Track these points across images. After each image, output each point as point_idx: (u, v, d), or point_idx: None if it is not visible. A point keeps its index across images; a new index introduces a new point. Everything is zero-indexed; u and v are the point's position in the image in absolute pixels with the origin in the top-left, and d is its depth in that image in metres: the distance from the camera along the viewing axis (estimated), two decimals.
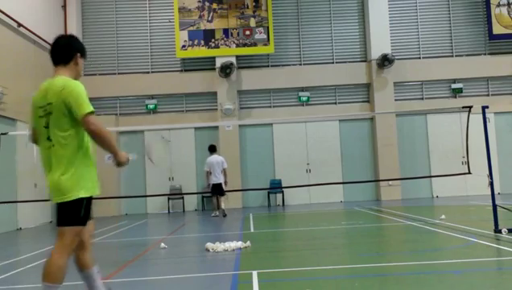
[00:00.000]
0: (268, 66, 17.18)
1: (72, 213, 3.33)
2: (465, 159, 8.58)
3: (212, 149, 13.42)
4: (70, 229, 3.31)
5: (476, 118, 8.49)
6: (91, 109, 3.35)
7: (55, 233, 3.38)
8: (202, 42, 16.63)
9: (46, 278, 3.23)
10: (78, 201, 3.32)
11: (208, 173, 13.02)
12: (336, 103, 17.14)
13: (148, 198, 16.21)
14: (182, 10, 16.67)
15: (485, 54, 17.27)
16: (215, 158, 13.07)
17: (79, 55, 3.58)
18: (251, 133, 16.79)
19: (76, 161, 3.35)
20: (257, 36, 16.66)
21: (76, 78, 3.56)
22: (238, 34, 16.66)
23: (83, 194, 3.34)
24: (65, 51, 3.54)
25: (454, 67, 17.07)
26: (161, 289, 4.99)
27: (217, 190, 12.96)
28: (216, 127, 16.29)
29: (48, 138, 3.35)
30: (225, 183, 13.05)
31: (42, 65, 14.32)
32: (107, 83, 16.79)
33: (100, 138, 3.31)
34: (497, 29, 16.98)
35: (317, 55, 17.23)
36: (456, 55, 17.27)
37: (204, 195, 16.13)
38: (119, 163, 3.47)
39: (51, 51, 3.56)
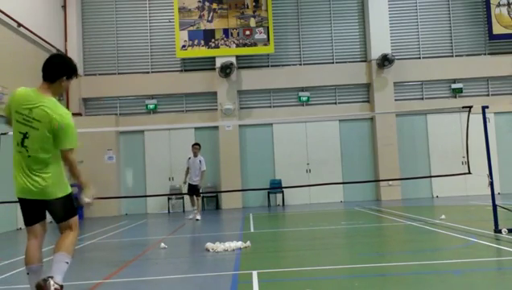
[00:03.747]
0: (268, 66, 17.18)
1: (73, 204, 3.92)
2: (465, 159, 8.60)
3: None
4: (76, 218, 3.93)
5: (476, 118, 8.50)
6: (76, 146, 3.84)
7: (61, 228, 3.85)
8: (202, 42, 16.63)
9: (66, 249, 3.71)
10: (71, 194, 3.91)
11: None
12: (336, 103, 17.14)
13: (148, 198, 16.20)
14: (182, 10, 16.67)
15: (485, 54, 17.27)
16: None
17: (65, 78, 3.84)
18: (251, 133, 16.79)
19: (58, 163, 3.78)
20: (257, 36, 16.66)
21: (58, 96, 3.93)
22: (238, 34, 16.66)
23: (70, 189, 3.90)
24: (54, 71, 3.82)
25: (454, 67, 17.07)
26: (161, 289, 4.99)
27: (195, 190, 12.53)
28: (216, 127, 16.29)
29: (24, 146, 3.68)
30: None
31: (42, 65, 14.32)
32: (107, 83, 16.79)
33: (74, 168, 3.83)
34: (497, 29, 16.98)
35: (317, 55, 17.23)
36: (456, 55, 17.27)
37: (205, 195, 16.12)
38: (85, 195, 3.93)
39: (44, 65, 3.87)
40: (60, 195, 3.75)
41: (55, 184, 3.72)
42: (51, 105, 3.68)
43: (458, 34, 17.31)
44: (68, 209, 3.84)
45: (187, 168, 12.51)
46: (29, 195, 3.71)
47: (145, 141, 16.59)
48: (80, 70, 16.71)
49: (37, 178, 3.66)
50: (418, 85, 17.27)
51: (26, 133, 3.64)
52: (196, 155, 12.45)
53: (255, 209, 15.20)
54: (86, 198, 3.93)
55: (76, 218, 3.90)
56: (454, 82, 17.18)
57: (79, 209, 14.92)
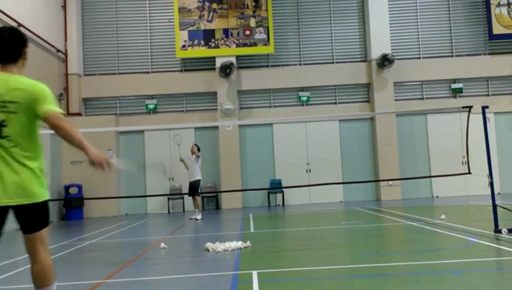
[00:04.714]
0: (268, 66, 17.18)
1: (47, 213, 3.30)
2: (465, 159, 8.60)
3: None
4: (47, 230, 3.32)
5: (476, 118, 8.50)
6: (60, 110, 3.26)
7: (31, 240, 3.28)
8: (202, 42, 16.63)
9: (45, 283, 3.22)
10: (47, 201, 3.31)
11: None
12: (336, 103, 17.14)
13: (148, 198, 16.20)
14: (182, 10, 16.67)
15: (485, 54, 17.27)
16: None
17: (26, 49, 3.33)
18: (251, 133, 16.79)
19: (40, 160, 3.26)
20: (257, 36, 16.66)
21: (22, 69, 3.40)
22: (238, 34, 16.66)
23: (48, 195, 3.32)
24: (12, 48, 3.26)
25: (454, 67, 17.07)
26: (161, 289, 4.99)
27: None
28: (216, 127, 16.29)
29: (3, 137, 3.13)
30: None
31: (42, 65, 14.33)
32: (107, 83, 16.79)
33: (71, 134, 3.20)
34: (497, 29, 16.98)
35: (317, 55, 17.23)
36: (456, 55, 17.27)
37: (204, 195, 16.13)
38: (92, 162, 3.24)
39: None
40: (46, 197, 3.25)
41: (42, 181, 3.22)
42: (24, 82, 3.19)
43: (458, 34, 17.31)
44: (45, 215, 3.29)
45: (185, 163, 12.92)
46: (8, 198, 3.16)
47: (145, 141, 16.60)
48: (80, 70, 16.71)
49: (25, 173, 3.14)
50: (418, 85, 17.27)
51: (3, 121, 3.12)
52: (193, 154, 12.80)
53: (255, 209, 15.20)
54: (113, 162, 3.31)
55: (48, 229, 3.33)
56: (454, 82, 17.18)
57: (80, 207, 14.98)
